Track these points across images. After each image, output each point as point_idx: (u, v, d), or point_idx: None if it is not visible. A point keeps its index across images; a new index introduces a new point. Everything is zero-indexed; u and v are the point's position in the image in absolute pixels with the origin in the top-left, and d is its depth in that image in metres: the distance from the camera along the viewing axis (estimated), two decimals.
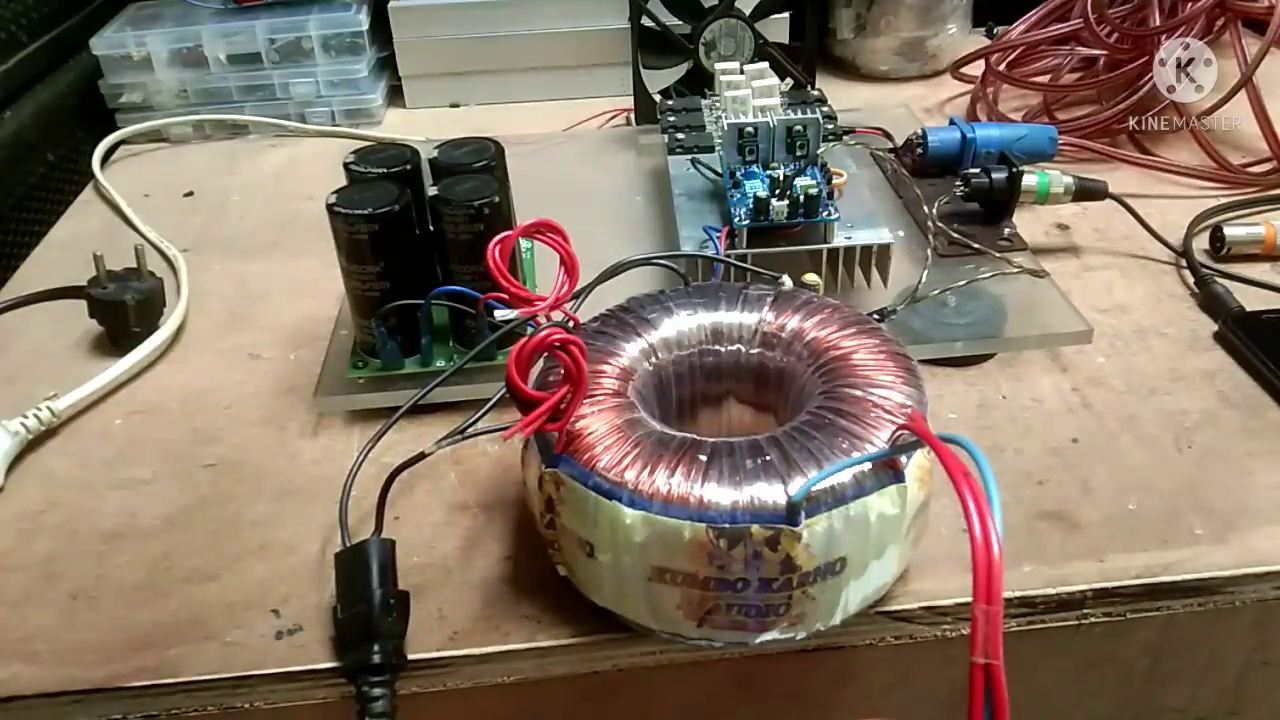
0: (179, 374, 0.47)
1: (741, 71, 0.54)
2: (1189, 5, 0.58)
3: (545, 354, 0.29)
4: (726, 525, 0.28)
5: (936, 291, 0.45)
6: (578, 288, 0.36)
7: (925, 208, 0.50)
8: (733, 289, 0.37)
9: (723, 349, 0.36)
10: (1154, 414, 0.41)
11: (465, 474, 0.40)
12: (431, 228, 0.42)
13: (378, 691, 0.31)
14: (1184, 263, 0.50)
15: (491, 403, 0.36)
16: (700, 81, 0.64)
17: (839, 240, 0.44)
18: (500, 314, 0.34)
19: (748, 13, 0.63)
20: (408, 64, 0.73)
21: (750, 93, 0.51)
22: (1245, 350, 0.44)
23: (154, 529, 0.38)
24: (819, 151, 0.47)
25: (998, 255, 0.48)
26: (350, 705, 0.31)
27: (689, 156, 0.52)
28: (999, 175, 0.50)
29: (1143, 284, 0.50)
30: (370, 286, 0.41)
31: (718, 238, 0.44)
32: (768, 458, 0.29)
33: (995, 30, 0.78)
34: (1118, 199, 0.52)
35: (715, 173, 0.50)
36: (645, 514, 0.29)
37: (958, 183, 0.51)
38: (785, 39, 0.68)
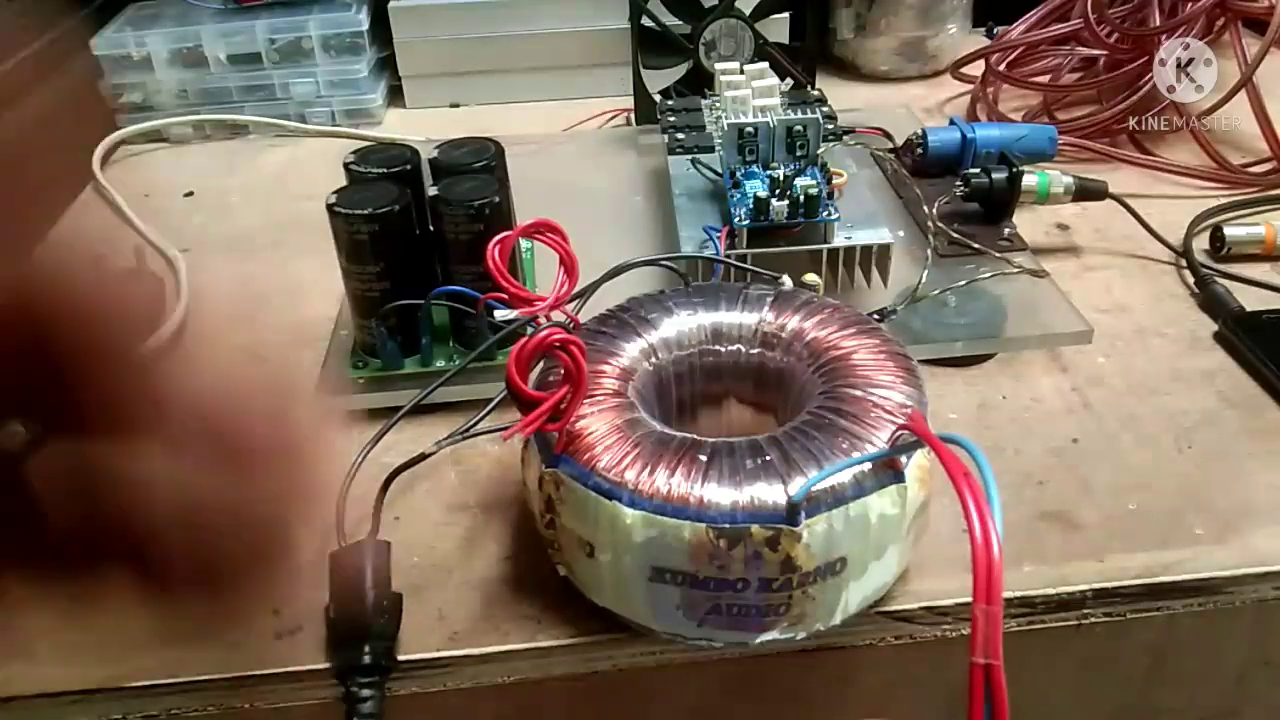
0: None
1: (741, 71, 0.54)
2: (1189, 5, 0.58)
3: (545, 354, 0.29)
4: (726, 525, 0.28)
5: (936, 291, 0.45)
6: (578, 288, 0.36)
7: (925, 208, 0.50)
8: (733, 289, 0.37)
9: (723, 349, 0.36)
10: (1154, 414, 0.41)
11: (465, 474, 0.40)
12: (431, 228, 0.42)
13: (366, 693, 0.31)
14: (1184, 263, 0.50)
15: (493, 404, 0.36)
16: (700, 81, 0.64)
17: (839, 240, 0.44)
18: (500, 314, 0.33)
19: (748, 13, 0.63)
20: (408, 64, 0.73)
21: (750, 93, 0.51)
22: (1245, 350, 0.44)
23: None
24: (819, 151, 0.47)
25: (998, 255, 0.48)
26: None
27: (689, 156, 0.52)
28: (999, 175, 0.50)
29: (1143, 284, 0.50)
30: (370, 286, 0.41)
31: (718, 238, 0.44)
32: (768, 458, 0.29)
33: (995, 30, 0.78)
34: (1118, 199, 0.52)
35: (715, 173, 0.49)
36: (645, 514, 0.29)
37: (958, 183, 0.51)
38: (785, 39, 0.67)
